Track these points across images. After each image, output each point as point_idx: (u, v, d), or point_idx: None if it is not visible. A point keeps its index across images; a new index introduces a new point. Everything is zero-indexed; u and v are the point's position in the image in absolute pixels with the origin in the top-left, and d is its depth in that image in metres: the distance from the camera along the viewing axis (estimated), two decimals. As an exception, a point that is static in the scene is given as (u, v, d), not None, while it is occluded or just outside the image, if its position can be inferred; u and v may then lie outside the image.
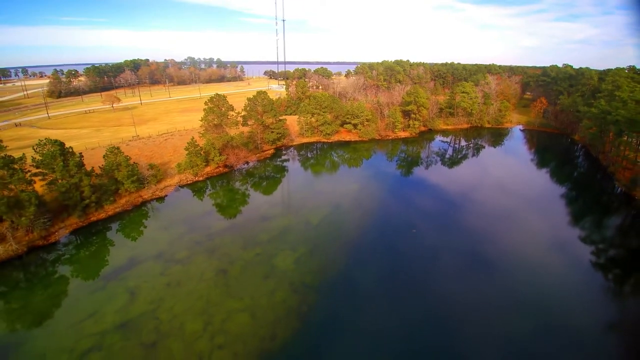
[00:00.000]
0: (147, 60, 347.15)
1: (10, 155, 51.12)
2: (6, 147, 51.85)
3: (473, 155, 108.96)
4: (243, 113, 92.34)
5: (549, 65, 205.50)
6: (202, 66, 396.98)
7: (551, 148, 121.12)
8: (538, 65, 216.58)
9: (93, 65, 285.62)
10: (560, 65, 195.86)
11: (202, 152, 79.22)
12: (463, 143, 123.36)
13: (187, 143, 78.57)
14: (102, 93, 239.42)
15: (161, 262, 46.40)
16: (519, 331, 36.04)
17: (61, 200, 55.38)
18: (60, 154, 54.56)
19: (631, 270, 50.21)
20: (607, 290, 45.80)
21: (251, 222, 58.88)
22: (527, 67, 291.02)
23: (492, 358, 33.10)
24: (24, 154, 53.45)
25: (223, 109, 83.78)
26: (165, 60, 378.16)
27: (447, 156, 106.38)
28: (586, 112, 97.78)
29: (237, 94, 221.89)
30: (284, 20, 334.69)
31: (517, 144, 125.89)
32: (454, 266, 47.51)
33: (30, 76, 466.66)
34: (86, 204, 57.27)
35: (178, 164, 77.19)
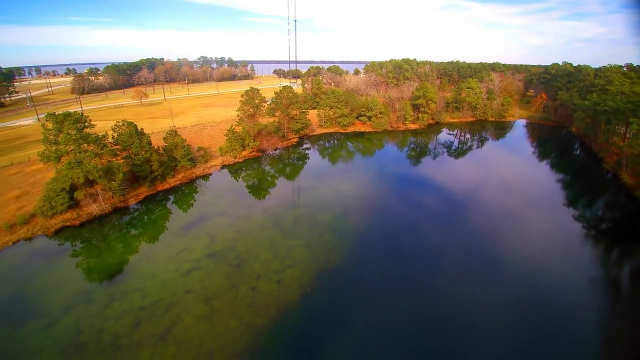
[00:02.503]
0: (162, 59, 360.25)
1: (97, 134, 62.76)
2: (94, 125, 63.34)
3: (477, 146, 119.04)
4: (272, 105, 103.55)
5: (560, 64, 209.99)
6: (214, 65, 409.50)
7: (550, 139, 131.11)
8: (545, 64, 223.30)
9: (113, 63, 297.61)
10: (566, 64, 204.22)
11: (239, 138, 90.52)
12: (468, 135, 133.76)
13: (227, 130, 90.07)
14: (124, 90, 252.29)
15: (227, 218, 57.87)
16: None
17: (135, 172, 66.88)
18: (135, 133, 66.12)
19: (619, 242, 56.88)
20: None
21: (291, 192, 70.44)
22: (531, 66, 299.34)
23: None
24: (106, 132, 65.16)
25: (257, 101, 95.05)
26: (178, 59, 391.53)
27: (454, 146, 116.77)
28: (580, 104, 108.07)
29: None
30: (295, 21, 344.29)
31: (518, 136, 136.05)
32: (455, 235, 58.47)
33: (43, 75, 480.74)
34: (154, 176, 68.76)
35: (220, 148, 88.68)
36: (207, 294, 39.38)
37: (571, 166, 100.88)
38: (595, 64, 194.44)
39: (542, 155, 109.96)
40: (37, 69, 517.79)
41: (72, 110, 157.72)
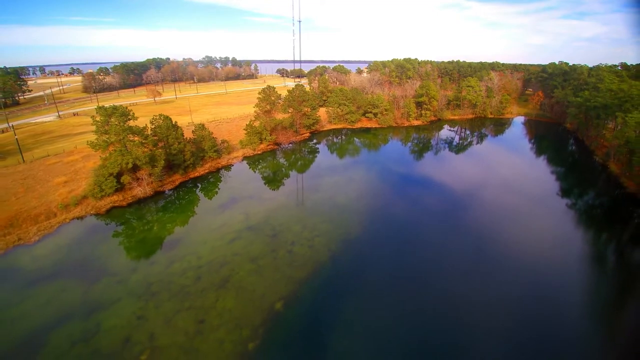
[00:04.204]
0: (168, 59, 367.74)
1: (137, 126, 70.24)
2: (137, 117, 70.88)
3: (477, 142, 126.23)
4: (286, 102, 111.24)
5: (557, 63, 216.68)
6: (218, 65, 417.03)
7: (546, 135, 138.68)
8: (545, 63, 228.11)
9: (122, 63, 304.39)
10: (563, 63, 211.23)
11: (257, 132, 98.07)
12: (468, 131, 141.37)
13: (246, 125, 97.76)
14: (135, 89, 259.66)
15: (256, 200, 65.55)
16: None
17: (170, 161, 74.41)
18: (171, 126, 73.68)
19: (610, 228, 62.15)
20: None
21: (309, 180, 78.19)
22: (531, 65, 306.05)
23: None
24: (146, 124, 72.71)
25: (273, 98, 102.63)
26: (183, 59, 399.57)
27: (455, 142, 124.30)
28: (574, 101, 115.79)
29: (258, 91, 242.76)
30: (300, 21, 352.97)
31: (516, 132, 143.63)
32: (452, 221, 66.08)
33: (48, 74, 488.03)
34: (187, 165, 76.35)
35: (240, 141, 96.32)
36: (252, 255, 47.04)
37: (566, 159, 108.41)
38: (595, 63, 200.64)
39: (539, 149, 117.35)
40: (42, 68, 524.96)
41: (90, 108, 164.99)
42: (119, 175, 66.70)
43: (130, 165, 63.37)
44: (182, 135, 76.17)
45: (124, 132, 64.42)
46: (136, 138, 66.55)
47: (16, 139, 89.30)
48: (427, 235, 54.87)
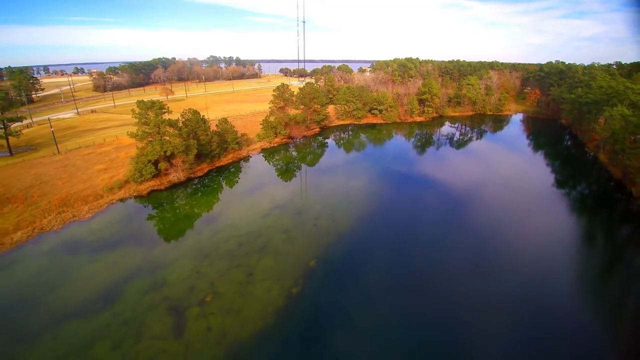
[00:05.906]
0: (174, 58, 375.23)
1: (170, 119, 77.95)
2: (171, 111, 78.60)
3: (477, 137, 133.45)
4: (298, 99, 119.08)
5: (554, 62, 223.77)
6: (222, 65, 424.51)
7: (543, 130, 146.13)
8: (544, 62, 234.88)
9: (130, 63, 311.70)
10: (559, 62, 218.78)
11: (272, 127, 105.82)
12: (468, 127, 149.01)
13: (262, 120, 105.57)
14: (144, 87, 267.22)
15: (279, 185, 73.49)
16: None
17: (199, 150, 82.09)
18: (200, 120, 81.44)
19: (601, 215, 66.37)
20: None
21: (323, 168, 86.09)
22: (529, 64, 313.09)
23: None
24: (178, 117, 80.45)
25: (286, 95, 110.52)
26: (188, 58, 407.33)
27: (456, 137, 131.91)
28: (568, 98, 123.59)
29: (264, 89, 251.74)
30: (304, 22, 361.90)
31: (514, 128, 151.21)
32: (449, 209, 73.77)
33: (52, 74, 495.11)
34: (213, 155, 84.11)
35: (258, 134, 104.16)
36: (283, 228, 54.85)
37: (561, 153, 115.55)
38: (594, 62, 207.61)
39: (536, 144, 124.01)
40: (45, 68, 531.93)
41: (106, 105, 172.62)
42: (155, 163, 74.42)
43: (168, 153, 71.07)
44: (209, 128, 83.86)
45: (163, 124, 72.06)
46: (171, 129, 74.18)
47: (52, 131, 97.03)
48: (426, 215, 62.65)
